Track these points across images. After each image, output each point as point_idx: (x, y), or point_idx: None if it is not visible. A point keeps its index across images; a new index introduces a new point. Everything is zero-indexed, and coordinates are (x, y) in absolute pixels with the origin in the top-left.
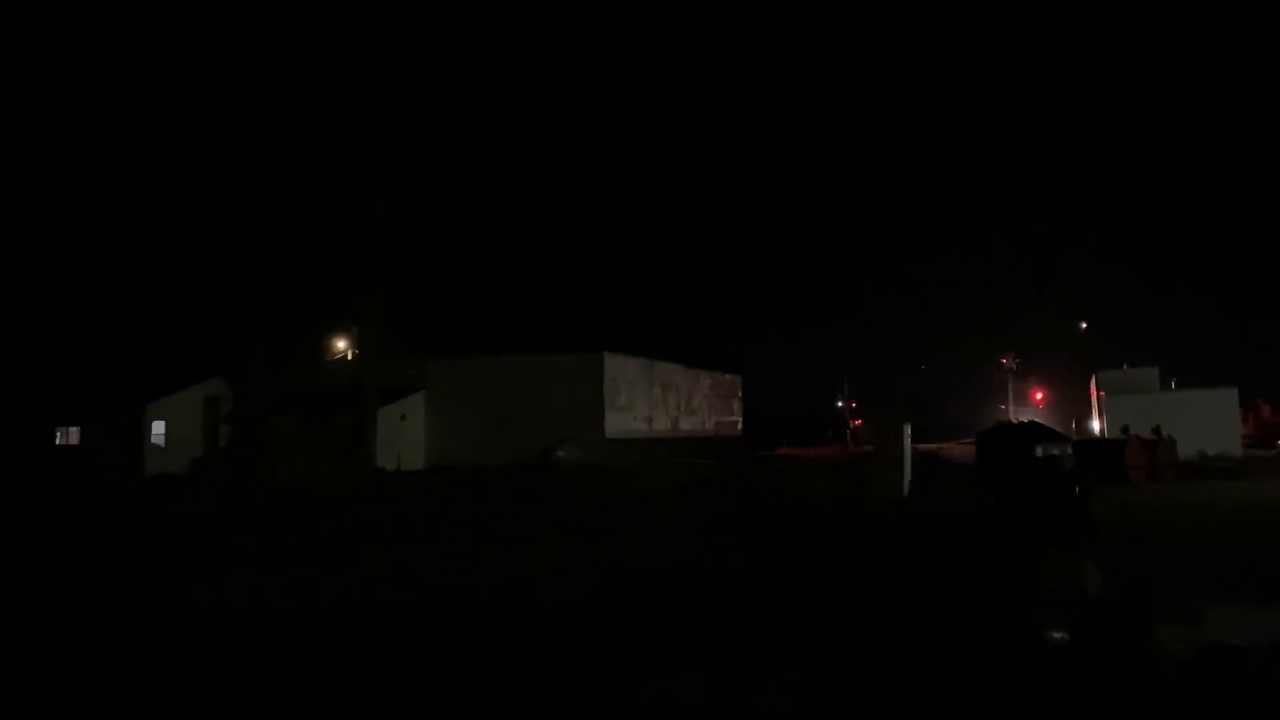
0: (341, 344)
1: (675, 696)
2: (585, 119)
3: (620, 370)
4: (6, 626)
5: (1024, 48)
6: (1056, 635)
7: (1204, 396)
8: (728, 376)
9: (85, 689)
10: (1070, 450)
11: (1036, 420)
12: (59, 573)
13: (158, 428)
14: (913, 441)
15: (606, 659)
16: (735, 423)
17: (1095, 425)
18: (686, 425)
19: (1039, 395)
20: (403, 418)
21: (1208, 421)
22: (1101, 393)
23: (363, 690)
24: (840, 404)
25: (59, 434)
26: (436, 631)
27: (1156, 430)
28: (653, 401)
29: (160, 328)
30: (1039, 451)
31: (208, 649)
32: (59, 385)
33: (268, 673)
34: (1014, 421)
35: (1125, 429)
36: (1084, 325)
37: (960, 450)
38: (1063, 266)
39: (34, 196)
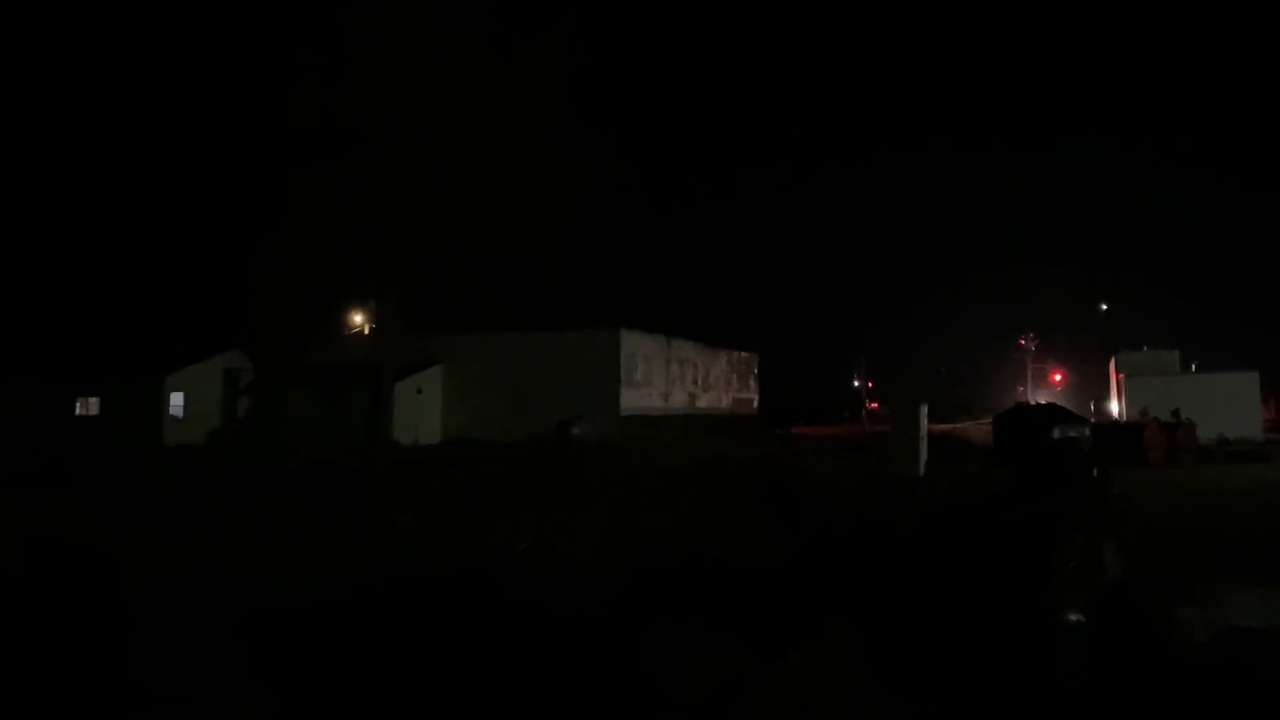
0: (359, 318)
1: (693, 672)
2: (603, 98)
3: (637, 347)
4: (29, 599)
5: (1041, 20)
6: (1074, 616)
7: (1225, 380)
8: (744, 355)
9: (106, 663)
10: (1088, 432)
11: (1055, 402)
12: (79, 543)
13: (176, 399)
14: (930, 421)
15: (624, 635)
16: (751, 401)
17: (1114, 408)
18: (703, 403)
19: (1057, 377)
20: (419, 392)
21: (1228, 405)
22: (1121, 375)
23: (380, 663)
24: (856, 384)
25: (79, 404)
26: (456, 605)
27: (1176, 413)
28: (669, 379)
29: (179, 300)
30: (1057, 433)
31: (227, 622)
32: (79, 356)
33: (288, 646)
34: (1032, 403)
35: (1144, 412)
36: (1104, 306)
37: (978, 431)
38: (1082, 247)
39: (56, 173)
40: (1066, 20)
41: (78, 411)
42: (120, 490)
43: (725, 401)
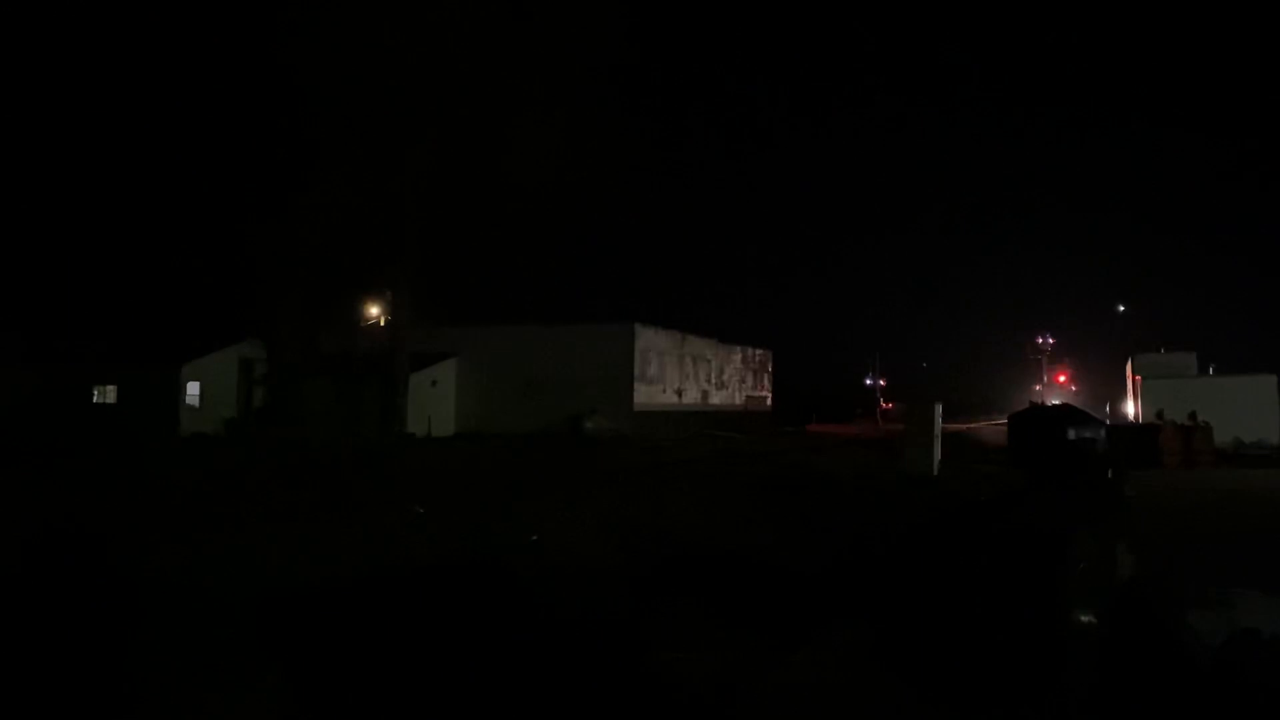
0: (375, 309)
1: (699, 666)
2: (617, 92)
3: (651, 342)
4: (38, 587)
5: (1071, 11)
6: (1086, 617)
7: (1242, 383)
8: (759, 352)
9: (110, 649)
10: (1103, 434)
11: (1069, 403)
12: (89, 529)
13: (193, 388)
14: (944, 421)
15: (632, 626)
16: (765, 398)
17: (1130, 409)
18: (716, 399)
19: (1061, 378)
20: (434, 384)
21: (1246, 408)
22: (1137, 376)
23: (389, 653)
24: (870, 382)
25: (96, 392)
26: (467, 595)
27: (1192, 416)
28: (683, 374)
29: (196, 289)
30: (1072, 434)
31: (236, 613)
32: (97, 343)
33: (297, 638)
34: (1047, 404)
35: (1160, 414)
36: (1121, 308)
37: (992, 431)
38: (1100, 248)
39: (73, 159)
40: (1098, 13)
41: (95, 399)
42: (132, 477)
43: (739, 398)
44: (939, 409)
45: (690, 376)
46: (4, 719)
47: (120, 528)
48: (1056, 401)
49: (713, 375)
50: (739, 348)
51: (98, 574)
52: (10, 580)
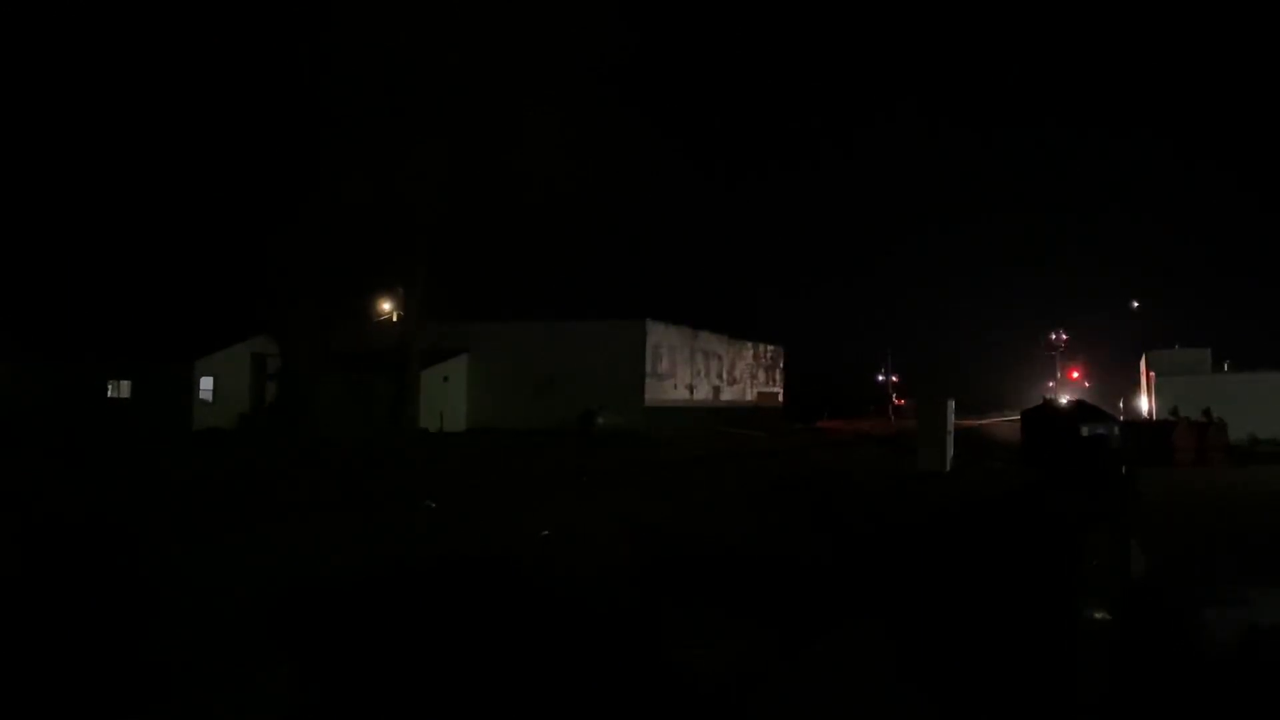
0: (387, 305)
1: (713, 661)
2: (631, 87)
3: (663, 338)
4: (50, 580)
5: (1078, 11)
6: (1099, 614)
7: (1257, 380)
8: (770, 348)
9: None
10: (1117, 430)
11: (1083, 399)
12: (103, 524)
13: (206, 383)
14: (956, 417)
15: (644, 622)
16: (776, 394)
17: (1144, 406)
18: (728, 395)
19: (1075, 374)
20: (445, 379)
21: (1260, 405)
22: (1151, 373)
23: (403, 648)
24: (882, 378)
25: (110, 387)
26: (480, 590)
27: (1206, 412)
28: (694, 370)
29: (209, 285)
30: (1085, 431)
31: (241, 606)
32: (111, 339)
33: (305, 632)
34: (1060, 400)
35: (1174, 410)
36: (1136, 304)
37: (1004, 427)
38: (1113, 242)
39: (88, 155)
40: (1107, 11)
41: (109, 394)
42: (146, 472)
43: (750, 394)
44: (951, 405)
45: (701, 373)
46: (15, 710)
47: (134, 522)
48: (1070, 398)
49: (724, 371)
50: (750, 344)
51: (111, 569)
52: (23, 573)
